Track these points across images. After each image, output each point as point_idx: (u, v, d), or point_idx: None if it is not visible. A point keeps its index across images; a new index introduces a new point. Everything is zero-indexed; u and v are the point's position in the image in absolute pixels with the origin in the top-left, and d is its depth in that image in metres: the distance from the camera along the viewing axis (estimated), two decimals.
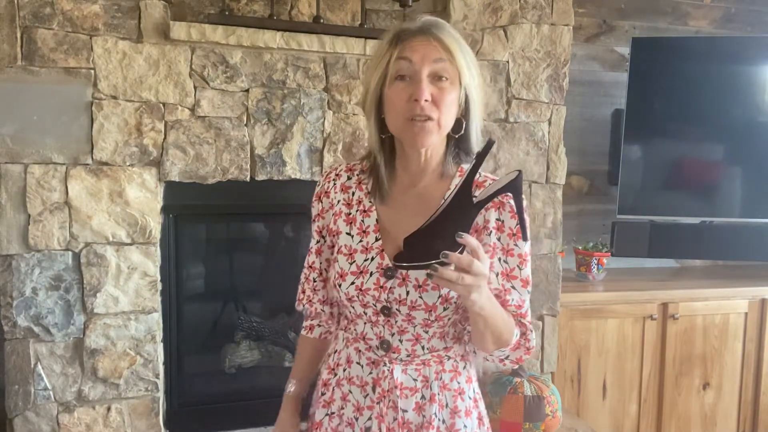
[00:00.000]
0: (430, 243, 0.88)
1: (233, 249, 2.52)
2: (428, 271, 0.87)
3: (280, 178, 2.13)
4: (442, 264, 0.86)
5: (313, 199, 1.20)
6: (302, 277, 1.24)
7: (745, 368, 2.83)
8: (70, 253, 1.95)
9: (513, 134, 2.38)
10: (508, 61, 2.35)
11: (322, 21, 2.10)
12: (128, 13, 1.93)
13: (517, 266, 1.07)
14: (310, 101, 2.13)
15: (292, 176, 2.13)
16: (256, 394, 2.27)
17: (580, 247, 2.88)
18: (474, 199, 0.93)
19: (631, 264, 3.14)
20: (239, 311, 2.45)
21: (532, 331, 1.09)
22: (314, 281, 1.21)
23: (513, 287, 1.08)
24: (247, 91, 2.07)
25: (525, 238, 1.03)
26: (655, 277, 2.98)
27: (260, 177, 2.11)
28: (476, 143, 1.10)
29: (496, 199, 1.02)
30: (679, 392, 2.78)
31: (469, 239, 0.88)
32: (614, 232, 2.83)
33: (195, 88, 2.02)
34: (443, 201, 0.93)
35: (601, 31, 3.06)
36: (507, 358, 1.10)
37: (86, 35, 1.90)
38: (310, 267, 1.21)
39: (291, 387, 1.27)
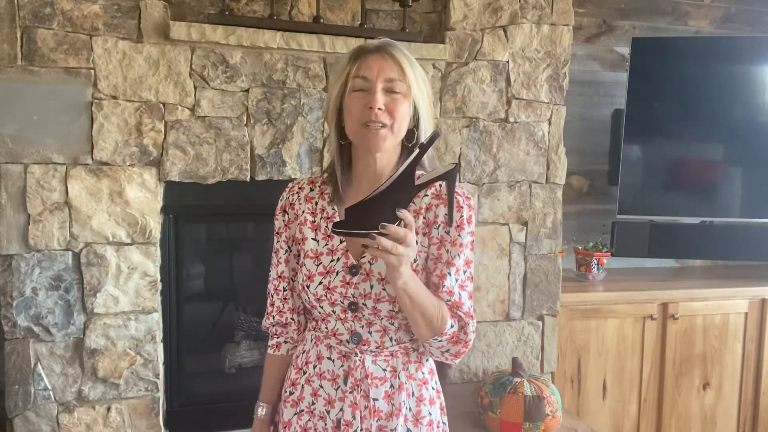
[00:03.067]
0: (371, 214, 0.98)
1: (233, 249, 2.52)
2: (366, 239, 0.96)
3: (280, 178, 2.13)
4: (380, 234, 0.96)
5: (277, 212, 1.26)
6: (270, 289, 1.28)
7: (745, 368, 2.83)
8: (70, 253, 1.95)
9: (513, 134, 2.39)
10: (508, 61, 2.35)
11: (322, 21, 2.11)
12: (128, 13, 1.94)
13: (457, 255, 1.15)
14: (310, 101, 2.14)
15: (292, 176, 2.13)
16: (256, 394, 2.26)
17: (580, 247, 2.88)
18: (415, 181, 1.04)
19: (631, 264, 3.14)
20: (239, 311, 2.45)
21: (470, 324, 1.15)
22: (284, 290, 1.26)
23: (449, 273, 1.14)
24: (247, 91, 2.07)
25: (449, 224, 1.13)
26: (655, 277, 2.98)
27: (260, 177, 2.11)
28: (428, 157, 1.18)
29: (444, 196, 1.17)
30: (679, 392, 2.78)
31: (406, 214, 0.99)
32: (614, 232, 2.84)
33: (195, 88, 2.02)
34: (386, 180, 1.02)
35: (601, 31, 3.06)
36: (447, 351, 1.15)
37: (86, 35, 1.91)
38: (280, 277, 1.26)
39: (261, 411, 1.32)
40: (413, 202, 1.18)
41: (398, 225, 0.98)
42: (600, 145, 3.03)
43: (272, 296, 1.27)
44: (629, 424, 2.74)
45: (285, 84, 2.10)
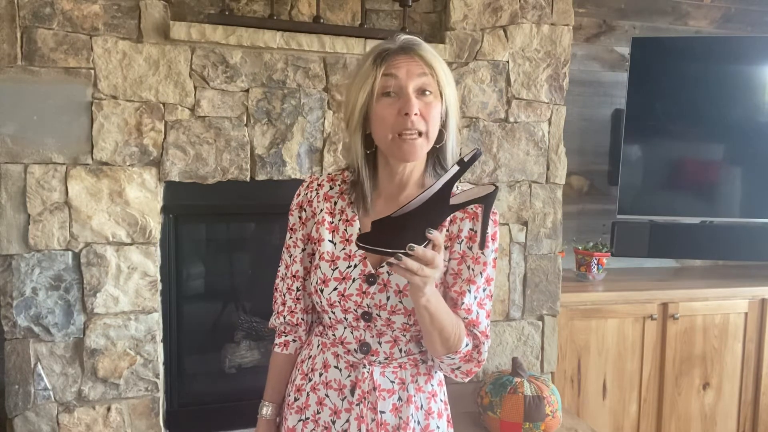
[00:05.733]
0: (399, 232, 0.92)
1: (233, 249, 2.52)
2: (391, 259, 0.91)
3: (280, 178, 2.13)
4: (407, 254, 0.90)
5: (293, 207, 1.21)
6: (282, 287, 1.24)
7: (745, 368, 2.83)
8: (70, 253, 1.95)
9: (513, 134, 2.39)
10: (508, 61, 2.35)
11: (322, 21, 2.11)
12: (128, 13, 1.94)
13: (479, 273, 1.11)
14: (310, 101, 2.14)
15: (292, 176, 2.13)
16: (256, 394, 2.25)
17: (580, 247, 2.88)
18: (450, 201, 0.98)
19: (631, 264, 3.14)
20: (239, 311, 2.45)
21: (484, 344, 1.12)
22: (297, 290, 1.21)
23: (468, 291, 1.11)
24: (247, 91, 2.07)
25: (481, 247, 1.07)
26: (655, 277, 2.98)
27: (260, 177, 2.11)
28: (452, 153, 1.14)
29: (471, 210, 1.11)
30: (679, 392, 2.78)
31: (437, 235, 0.93)
32: (614, 232, 2.83)
33: (195, 88, 2.02)
34: (417, 196, 0.96)
35: (601, 31, 3.06)
36: (458, 368, 1.12)
37: (86, 35, 1.91)
38: (294, 276, 1.21)
39: (267, 410, 1.28)
40: None
41: (427, 245, 0.93)
42: (600, 145, 3.03)
43: (284, 295, 1.23)
44: (629, 424, 2.74)
45: (285, 84, 2.10)
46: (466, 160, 0.95)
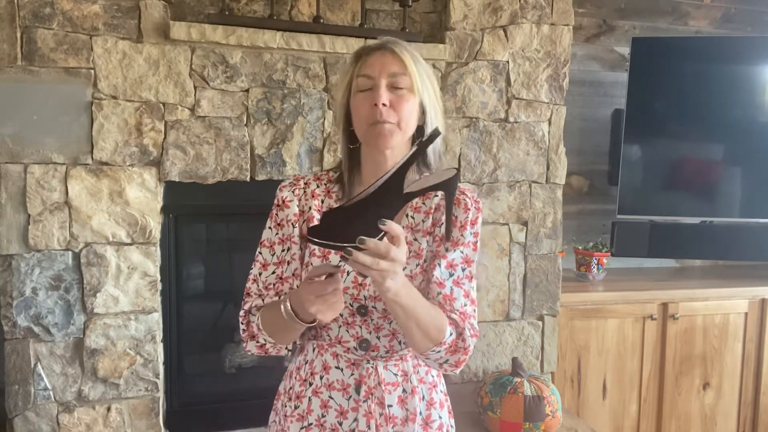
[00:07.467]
0: (349, 224, 0.83)
1: (233, 249, 2.52)
2: (341, 254, 0.83)
3: (280, 178, 2.13)
4: (358, 248, 0.82)
5: (278, 203, 1.18)
6: (259, 288, 1.18)
7: (745, 368, 2.83)
8: (70, 253, 1.95)
9: (513, 134, 2.39)
10: (508, 61, 2.35)
11: (322, 21, 2.11)
12: (128, 13, 1.94)
13: (453, 250, 1.11)
14: (310, 101, 2.14)
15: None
16: (256, 394, 2.27)
17: (580, 247, 2.88)
18: (404, 189, 0.88)
19: (631, 264, 3.14)
20: (239, 311, 2.44)
21: (466, 330, 1.07)
22: (274, 285, 1.16)
23: (439, 264, 1.10)
24: (247, 91, 2.07)
25: (447, 239, 1.06)
26: (655, 277, 2.98)
27: (260, 177, 2.11)
28: (435, 152, 1.15)
29: (457, 197, 1.09)
30: (679, 392, 2.78)
31: (393, 226, 0.86)
32: (614, 232, 2.83)
33: (195, 88, 2.02)
34: (372, 184, 0.88)
35: (601, 31, 3.06)
36: (446, 362, 1.08)
37: (86, 35, 1.91)
38: (281, 279, 1.15)
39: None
40: (423, 203, 1.14)
41: (382, 237, 0.84)
42: (600, 145, 3.03)
43: (261, 292, 1.17)
44: (629, 424, 2.74)
45: (285, 84, 2.10)
46: (423, 140, 0.88)
